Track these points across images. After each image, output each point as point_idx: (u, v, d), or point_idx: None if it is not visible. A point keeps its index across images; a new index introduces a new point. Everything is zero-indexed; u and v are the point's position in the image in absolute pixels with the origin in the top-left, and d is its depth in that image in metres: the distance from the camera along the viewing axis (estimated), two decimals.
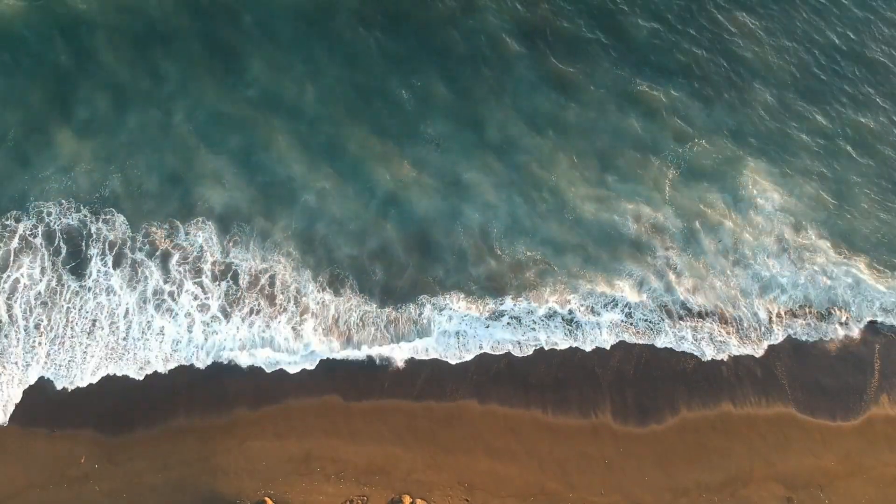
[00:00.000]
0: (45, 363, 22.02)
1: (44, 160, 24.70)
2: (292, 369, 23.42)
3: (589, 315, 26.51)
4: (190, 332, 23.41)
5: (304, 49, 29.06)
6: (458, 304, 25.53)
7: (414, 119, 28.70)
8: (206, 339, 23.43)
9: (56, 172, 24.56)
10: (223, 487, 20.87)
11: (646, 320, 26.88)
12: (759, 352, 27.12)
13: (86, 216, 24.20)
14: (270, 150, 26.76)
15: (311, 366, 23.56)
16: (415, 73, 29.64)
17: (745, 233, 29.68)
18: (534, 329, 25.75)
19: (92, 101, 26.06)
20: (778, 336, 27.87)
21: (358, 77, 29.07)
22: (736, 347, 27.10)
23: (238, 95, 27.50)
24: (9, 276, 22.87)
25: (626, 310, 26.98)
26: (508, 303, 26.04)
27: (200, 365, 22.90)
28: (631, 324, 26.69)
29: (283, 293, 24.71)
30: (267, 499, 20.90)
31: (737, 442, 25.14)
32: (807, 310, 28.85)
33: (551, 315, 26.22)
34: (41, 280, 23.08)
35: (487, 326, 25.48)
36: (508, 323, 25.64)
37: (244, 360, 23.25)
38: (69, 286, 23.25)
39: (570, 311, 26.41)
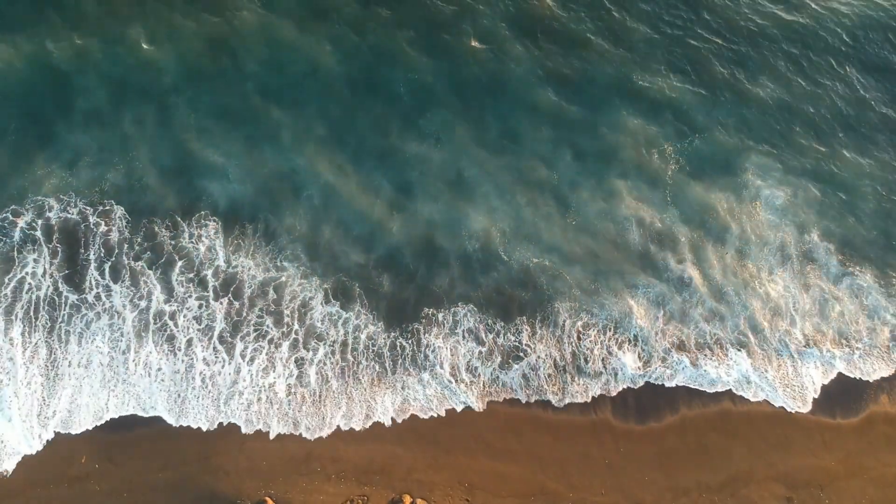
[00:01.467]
0: (51, 417, 21.01)
1: (44, 155, 24.60)
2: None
3: (605, 355, 25.57)
4: (188, 379, 22.21)
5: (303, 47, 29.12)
6: (465, 374, 24.37)
7: (413, 116, 28.65)
8: (202, 384, 22.20)
9: (57, 168, 24.43)
10: (223, 487, 20.84)
11: (664, 365, 25.78)
12: (805, 407, 26.20)
13: (86, 212, 23.82)
14: (272, 144, 26.72)
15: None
16: (412, 70, 29.61)
17: (751, 243, 29.22)
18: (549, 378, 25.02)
19: (92, 96, 26.05)
20: (818, 385, 26.77)
21: (355, 75, 29.05)
22: (779, 400, 26.11)
23: (238, 90, 27.52)
24: (9, 281, 22.52)
25: (643, 348, 26.02)
26: (520, 364, 24.89)
27: (203, 427, 21.85)
28: (647, 362, 25.78)
29: (288, 308, 23.96)
30: (267, 498, 20.87)
31: (737, 442, 25.10)
32: (826, 339, 27.80)
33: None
34: (42, 285, 22.52)
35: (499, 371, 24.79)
36: (525, 375, 24.74)
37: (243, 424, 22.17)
38: (68, 298, 22.58)
39: (586, 358, 25.47)
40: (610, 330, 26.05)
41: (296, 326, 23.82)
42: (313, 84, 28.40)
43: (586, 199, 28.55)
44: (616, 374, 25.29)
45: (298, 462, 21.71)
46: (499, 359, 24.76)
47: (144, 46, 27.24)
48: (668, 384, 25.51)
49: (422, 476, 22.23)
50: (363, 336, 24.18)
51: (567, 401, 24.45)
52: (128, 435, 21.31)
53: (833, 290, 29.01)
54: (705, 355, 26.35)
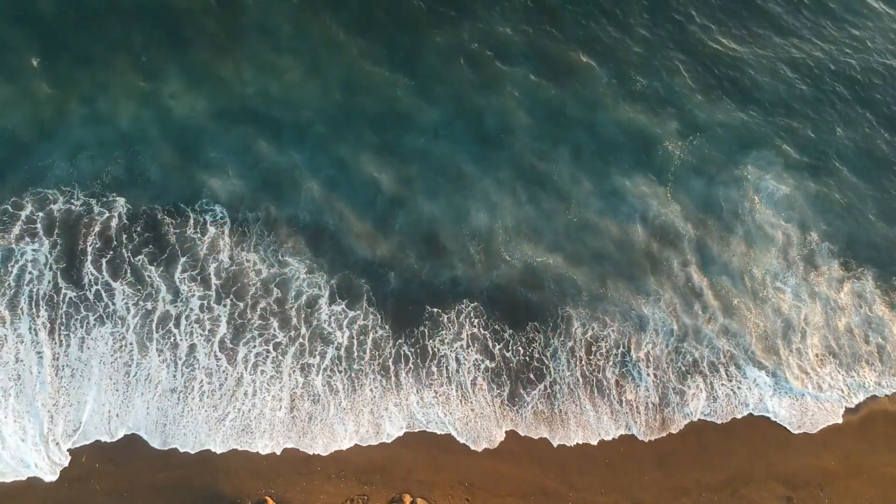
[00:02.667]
0: (62, 442, 20.53)
1: (48, 147, 24.43)
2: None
3: (619, 378, 24.90)
4: (186, 398, 21.66)
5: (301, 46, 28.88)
6: (474, 397, 23.73)
7: (411, 113, 28.47)
8: (201, 402, 21.66)
9: (58, 161, 24.19)
10: (224, 487, 20.85)
11: (682, 401, 25.03)
12: (813, 430, 25.84)
13: (88, 203, 23.54)
14: (271, 142, 26.58)
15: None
16: (412, 67, 29.38)
17: (756, 246, 28.95)
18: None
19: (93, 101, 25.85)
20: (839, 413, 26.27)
21: (353, 76, 28.84)
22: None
23: (238, 91, 27.30)
24: (11, 273, 22.30)
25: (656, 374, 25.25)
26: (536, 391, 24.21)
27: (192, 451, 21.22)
28: (664, 396, 24.93)
29: (294, 307, 23.72)
30: (268, 498, 20.88)
31: (737, 441, 25.10)
32: (842, 364, 27.15)
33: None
34: (43, 280, 22.21)
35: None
36: (536, 412, 24.03)
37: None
38: (67, 295, 22.26)
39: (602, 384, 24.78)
40: (623, 346, 25.68)
41: (303, 330, 23.49)
42: (311, 86, 28.13)
43: (587, 197, 28.41)
44: (634, 409, 24.73)
45: (299, 462, 21.71)
46: (508, 387, 24.14)
47: (143, 59, 26.96)
48: (684, 421, 24.93)
49: (422, 475, 22.23)
50: (369, 341, 23.80)
51: (593, 440, 23.92)
52: (129, 434, 21.25)
53: (839, 298, 28.68)
54: (718, 377, 25.86)
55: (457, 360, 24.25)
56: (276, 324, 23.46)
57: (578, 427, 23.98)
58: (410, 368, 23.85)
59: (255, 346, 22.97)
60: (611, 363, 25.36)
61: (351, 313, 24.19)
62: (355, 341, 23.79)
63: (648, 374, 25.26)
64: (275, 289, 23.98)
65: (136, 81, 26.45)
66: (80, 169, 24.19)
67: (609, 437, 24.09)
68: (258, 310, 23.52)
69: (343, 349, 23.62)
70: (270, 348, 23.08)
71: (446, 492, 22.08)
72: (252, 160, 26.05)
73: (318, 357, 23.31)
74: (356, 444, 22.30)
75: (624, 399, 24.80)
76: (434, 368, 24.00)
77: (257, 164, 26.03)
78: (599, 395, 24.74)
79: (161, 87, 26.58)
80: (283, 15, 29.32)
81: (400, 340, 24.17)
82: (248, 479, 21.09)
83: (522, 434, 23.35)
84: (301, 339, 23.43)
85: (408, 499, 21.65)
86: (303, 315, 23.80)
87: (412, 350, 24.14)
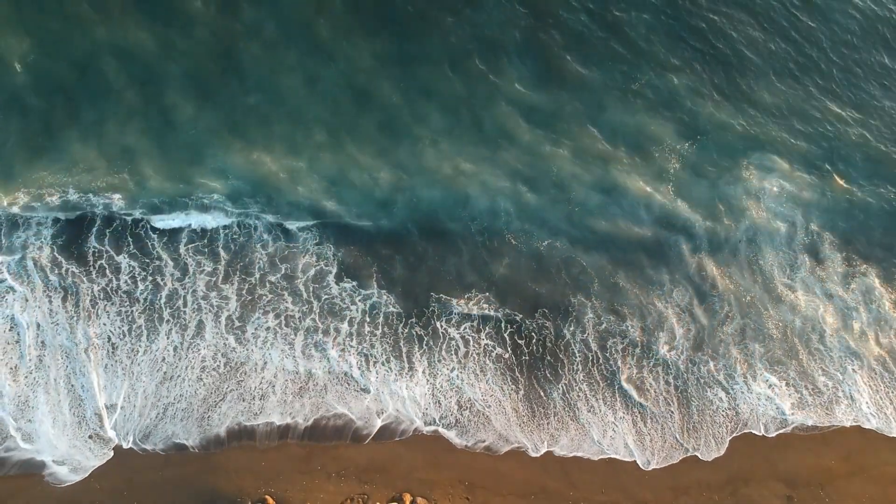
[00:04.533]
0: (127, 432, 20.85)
1: (47, 155, 24.25)
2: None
3: (637, 386, 24.59)
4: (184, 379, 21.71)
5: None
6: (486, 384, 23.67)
7: (410, 112, 28.31)
8: (202, 385, 21.66)
9: (57, 167, 24.02)
10: (224, 486, 20.82)
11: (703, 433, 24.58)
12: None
13: (90, 196, 23.61)
14: (270, 148, 26.39)
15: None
16: (411, 66, 29.13)
17: (761, 244, 28.92)
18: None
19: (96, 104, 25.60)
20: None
21: (354, 73, 28.58)
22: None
23: (238, 100, 27.03)
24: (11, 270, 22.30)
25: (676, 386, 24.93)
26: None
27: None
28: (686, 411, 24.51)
29: (303, 282, 23.75)
30: (268, 497, 20.86)
31: (737, 440, 25.07)
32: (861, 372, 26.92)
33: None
34: (45, 269, 22.31)
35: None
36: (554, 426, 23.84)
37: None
38: (71, 271, 22.32)
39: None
40: (638, 348, 25.49)
41: (315, 305, 23.60)
42: (309, 91, 27.81)
43: (589, 192, 28.34)
44: (658, 425, 24.41)
45: (299, 461, 21.67)
46: (522, 390, 24.00)
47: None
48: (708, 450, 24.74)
49: (422, 474, 22.20)
50: (381, 318, 23.90)
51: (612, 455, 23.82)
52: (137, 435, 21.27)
53: (848, 298, 28.54)
54: (737, 391, 25.64)
55: (465, 344, 24.20)
56: (287, 301, 23.60)
57: (599, 450, 23.81)
58: (423, 354, 23.86)
59: (262, 332, 23.05)
60: (628, 366, 25.15)
61: (364, 292, 24.29)
62: (367, 318, 23.92)
63: (668, 384, 25.03)
64: (279, 262, 24.09)
65: (137, 91, 26.16)
66: (77, 175, 23.97)
67: (629, 460, 23.91)
68: (267, 284, 23.70)
69: (355, 332, 23.67)
70: (279, 333, 23.19)
71: (447, 491, 22.07)
72: (254, 158, 25.84)
73: (332, 333, 23.44)
74: (356, 444, 22.27)
75: (648, 414, 24.48)
76: (444, 355, 24.00)
77: (259, 163, 25.83)
78: (623, 407, 24.53)
79: (163, 92, 26.32)
80: (283, 18, 28.96)
81: (412, 320, 24.23)
82: (248, 478, 21.06)
83: (533, 456, 23.28)
84: (311, 325, 23.49)
85: (408, 498, 21.64)
86: (313, 296, 23.87)
87: (424, 331, 24.19)
